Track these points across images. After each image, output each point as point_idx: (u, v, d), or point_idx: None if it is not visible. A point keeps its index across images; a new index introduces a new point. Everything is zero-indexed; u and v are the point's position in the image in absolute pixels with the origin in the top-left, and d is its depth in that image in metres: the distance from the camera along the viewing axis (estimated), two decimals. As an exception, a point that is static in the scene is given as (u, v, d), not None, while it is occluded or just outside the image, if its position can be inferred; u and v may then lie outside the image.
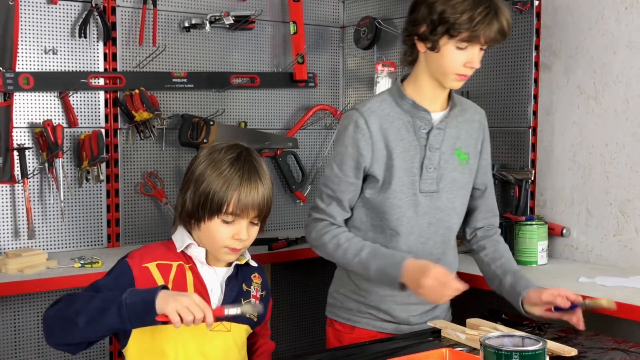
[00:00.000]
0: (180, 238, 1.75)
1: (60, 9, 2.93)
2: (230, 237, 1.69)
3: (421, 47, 1.96)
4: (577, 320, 1.86)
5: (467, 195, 2.11)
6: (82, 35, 2.92)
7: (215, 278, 1.75)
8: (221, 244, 1.70)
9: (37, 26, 2.89)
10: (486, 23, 1.85)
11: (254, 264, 1.85)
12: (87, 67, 2.99)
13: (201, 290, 1.71)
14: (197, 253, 1.74)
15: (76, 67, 2.97)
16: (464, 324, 1.96)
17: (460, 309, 2.16)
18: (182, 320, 1.51)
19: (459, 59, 1.90)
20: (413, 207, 2.00)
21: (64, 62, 2.95)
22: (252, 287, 1.82)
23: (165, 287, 1.57)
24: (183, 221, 1.75)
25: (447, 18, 1.86)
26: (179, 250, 1.73)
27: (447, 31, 1.87)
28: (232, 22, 3.25)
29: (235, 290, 1.77)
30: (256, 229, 1.75)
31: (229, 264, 1.78)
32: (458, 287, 1.78)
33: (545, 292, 1.89)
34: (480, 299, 2.77)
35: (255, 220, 1.73)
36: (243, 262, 1.81)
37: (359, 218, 2.05)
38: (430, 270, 1.80)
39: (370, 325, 2.08)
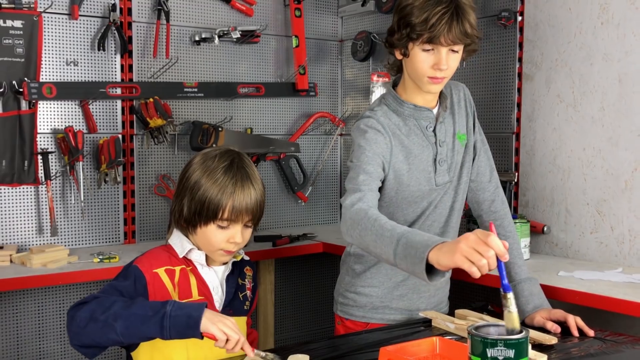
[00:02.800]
0: (180, 243, 1.71)
1: (80, 24, 2.93)
2: (225, 240, 1.67)
3: (397, 54, 1.87)
4: (573, 330, 1.81)
5: (469, 173, 2.01)
6: (101, 48, 2.93)
7: (216, 278, 1.73)
8: (217, 247, 1.68)
9: (59, 40, 2.89)
10: (444, 24, 1.73)
11: (246, 257, 1.84)
12: (105, 78, 2.99)
13: (204, 290, 1.70)
14: (197, 256, 1.70)
15: (95, 77, 2.97)
16: (453, 315, 1.96)
17: (450, 301, 2.16)
18: (227, 340, 1.46)
19: (427, 61, 1.79)
20: (427, 199, 1.95)
21: (84, 73, 2.95)
22: (246, 280, 1.81)
23: (206, 305, 1.50)
24: (180, 226, 1.71)
25: (408, 22, 1.77)
26: (181, 256, 1.69)
27: (409, 35, 1.77)
28: (239, 36, 3.25)
29: (233, 286, 1.76)
30: (250, 230, 1.72)
31: (225, 262, 1.75)
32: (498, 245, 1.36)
33: (534, 322, 1.86)
34: (467, 292, 2.77)
35: (249, 224, 1.70)
36: (239, 258, 1.79)
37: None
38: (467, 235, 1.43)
39: (383, 320, 2.00)
